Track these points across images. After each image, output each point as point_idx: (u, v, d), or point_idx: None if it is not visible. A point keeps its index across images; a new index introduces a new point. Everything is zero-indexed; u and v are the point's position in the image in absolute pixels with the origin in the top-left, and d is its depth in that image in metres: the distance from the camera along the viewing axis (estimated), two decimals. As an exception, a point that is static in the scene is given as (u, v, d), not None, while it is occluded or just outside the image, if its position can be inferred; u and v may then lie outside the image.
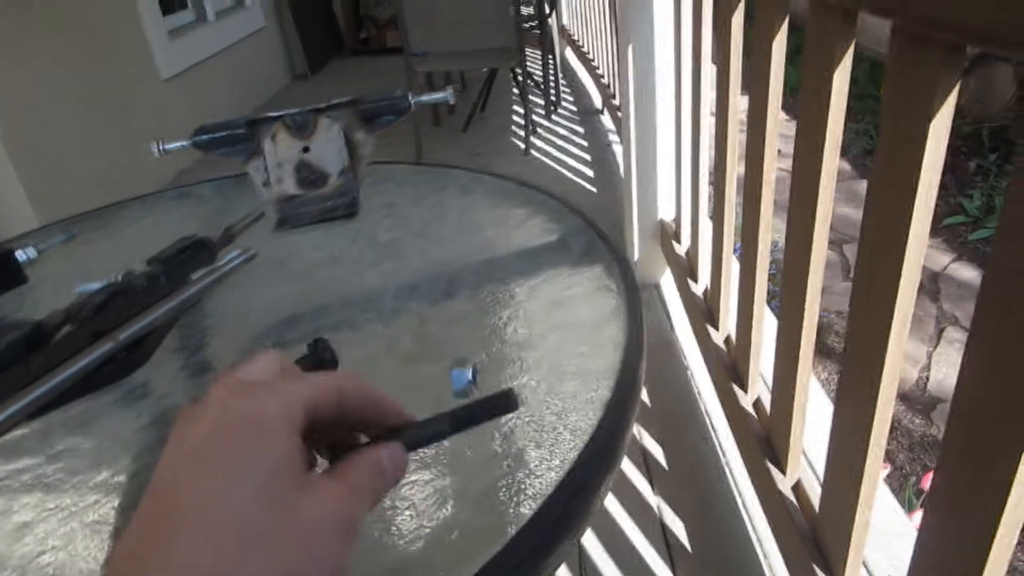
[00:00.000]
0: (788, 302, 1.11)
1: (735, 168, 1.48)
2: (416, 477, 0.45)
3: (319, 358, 0.52)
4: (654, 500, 1.49)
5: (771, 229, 1.28)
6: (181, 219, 0.89)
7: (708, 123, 1.66)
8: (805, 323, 1.08)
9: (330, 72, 5.71)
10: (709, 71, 1.61)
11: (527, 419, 0.47)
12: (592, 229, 0.70)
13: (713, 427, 1.66)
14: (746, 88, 1.27)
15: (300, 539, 0.27)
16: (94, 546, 0.44)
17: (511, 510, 0.41)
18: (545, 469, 0.44)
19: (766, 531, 1.33)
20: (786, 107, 1.20)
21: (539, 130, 3.64)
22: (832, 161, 0.96)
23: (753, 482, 1.33)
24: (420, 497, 0.43)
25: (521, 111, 3.58)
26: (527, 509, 0.41)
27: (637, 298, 0.57)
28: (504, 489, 0.43)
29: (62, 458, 0.51)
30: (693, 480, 1.55)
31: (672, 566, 1.35)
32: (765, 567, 1.33)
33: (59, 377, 0.54)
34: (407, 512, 0.42)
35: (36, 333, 0.61)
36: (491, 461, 0.45)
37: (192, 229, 0.75)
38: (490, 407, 0.39)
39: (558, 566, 0.41)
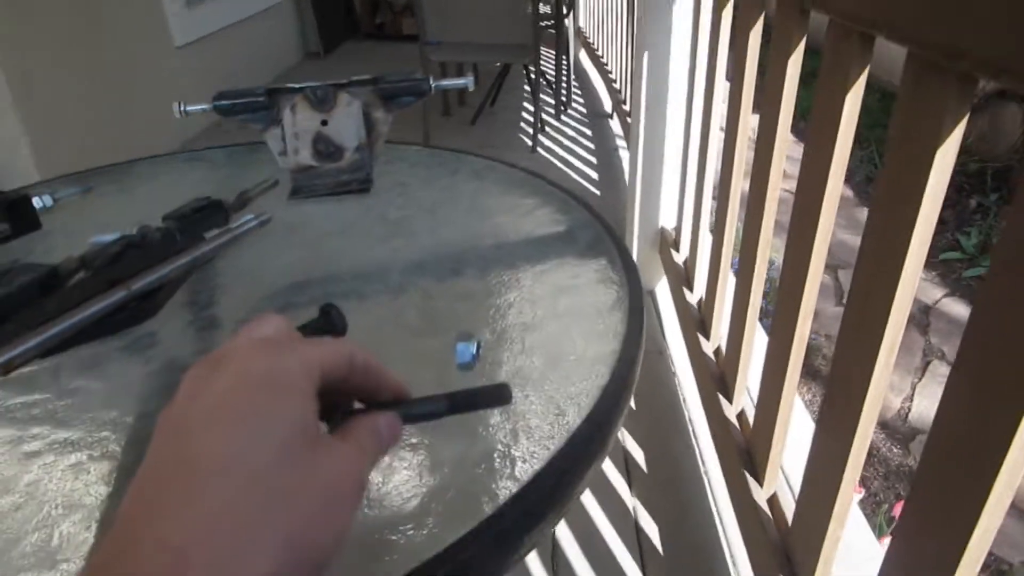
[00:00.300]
0: (780, 319, 1.14)
1: (740, 183, 1.50)
2: (416, 440, 0.46)
3: (330, 322, 0.54)
4: (631, 502, 1.51)
5: (770, 247, 1.30)
6: (194, 181, 0.90)
7: (717, 137, 1.68)
8: (795, 341, 1.10)
9: (343, 53, 5.71)
10: (722, 86, 1.63)
11: (526, 395, 0.49)
12: (599, 222, 0.72)
13: (695, 435, 1.69)
14: (757, 107, 1.30)
15: (319, 496, 0.28)
16: (100, 477, 0.45)
17: (504, 480, 0.43)
18: (538, 446, 0.45)
19: (738, 541, 1.35)
20: (795, 130, 1.22)
21: (547, 129, 3.66)
22: (837, 180, 0.98)
23: (730, 491, 1.35)
24: (418, 459, 0.45)
25: (530, 108, 3.60)
26: (518, 481, 0.43)
27: (639, 292, 0.59)
28: (499, 460, 0.45)
29: (72, 395, 0.53)
30: (671, 485, 1.57)
31: (643, 567, 1.37)
32: (733, 575, 1.35)
33: (74, 319, 0.55)
34: (404, 471, 0.44)
35: (51, 277, 0.62)
36: (489, 433, 0.47)
37: (204, 192, 0.76)
38: (486, 397, 0.41)
39: (543, 536, 0.43)
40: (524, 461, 0.44)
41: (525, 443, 0.46)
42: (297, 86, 0.83)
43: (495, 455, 0.45)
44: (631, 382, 0.51)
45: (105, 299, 0.58)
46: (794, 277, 1.07)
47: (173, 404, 0.30)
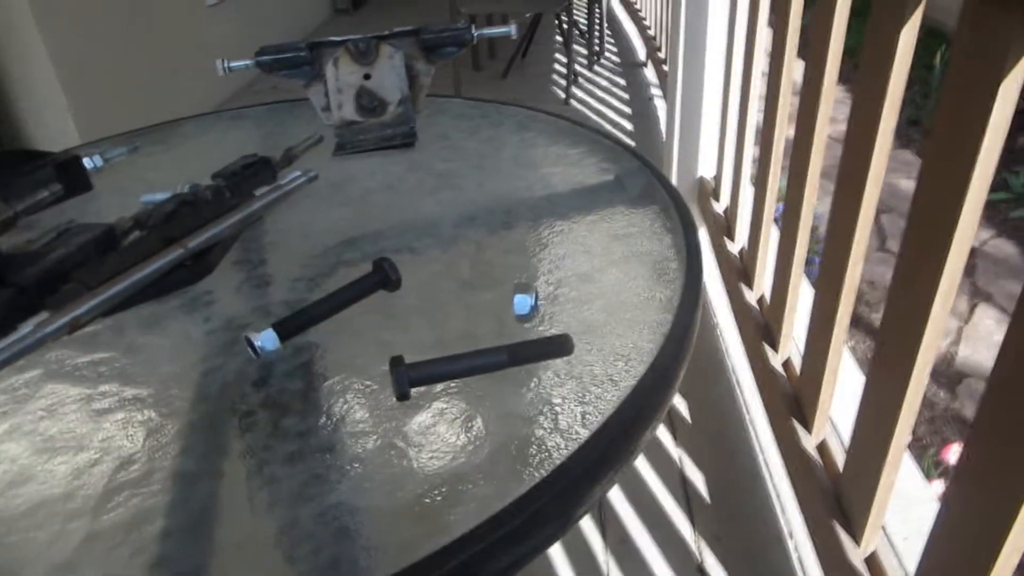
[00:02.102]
0: (829, 267, 1.11)
1: (784, 129, 1.46)
2: (480, 392, 0.46)
3: (384, 276, 0.54)
4: (676, 452, 1.52)
5: (817, 190, 1.27)
6: (238, 139, 0.90)
7: (759, 83, 1.63)
8: (845, 288, 1.07)
9: (372, 9, 5.65)
10: (765, 31, 1.58)
11: (589, 346, 0.49)
12: (649, 170, 0.70)
13: (739, 384, 1.68)
14: (801, 52, 1.25)
15: None
16: (173, 433, 0.46)
17: (571, 429, 0.43)
18: (604, 395, 0.45)
19: (785, 488, 1.35)
20: (839, 74, 1.18)
21: (580, 80, 3.60)
22: (890, 119, 0.94)
23: (777, 439, 1.35)
24: (482, 410, 0.45)
25: (562, 60, 3.53)
26: (586, 429, 0.42)
27: (695, 237, 0.58)
28: (565, 410, 0.44)
29: (137, 353, 0.54)
30: (716, 434, 1.57)
31: (690, 516, 1.38)
32: (783, 522, 1.35)
33: (135, 276, 0.56)
34: (470, 422, 0.44)
35: (107, 236, 0.63)
36: (553, 383, 0.46)
37: (249, 149, 0.76)
38: (548, 348, 0.41)
39: (612, 483, 0.43)
40: (591, 410, 0.44)
41: (591, 393, 0.45)
42: (339, 39, 0.82)
43: (560, 405, 0.45)
44: (693, 329, 0.50)
45: (164, 257, 0.58)
46: (844, 222, 1.04)
47: None
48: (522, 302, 0.50)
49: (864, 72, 0.96)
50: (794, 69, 1.39)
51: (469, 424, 0.44)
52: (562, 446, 0.42)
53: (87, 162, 0.78)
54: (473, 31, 0.82)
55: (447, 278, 0.58)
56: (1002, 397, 0.70)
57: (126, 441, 0.45)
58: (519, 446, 0.42)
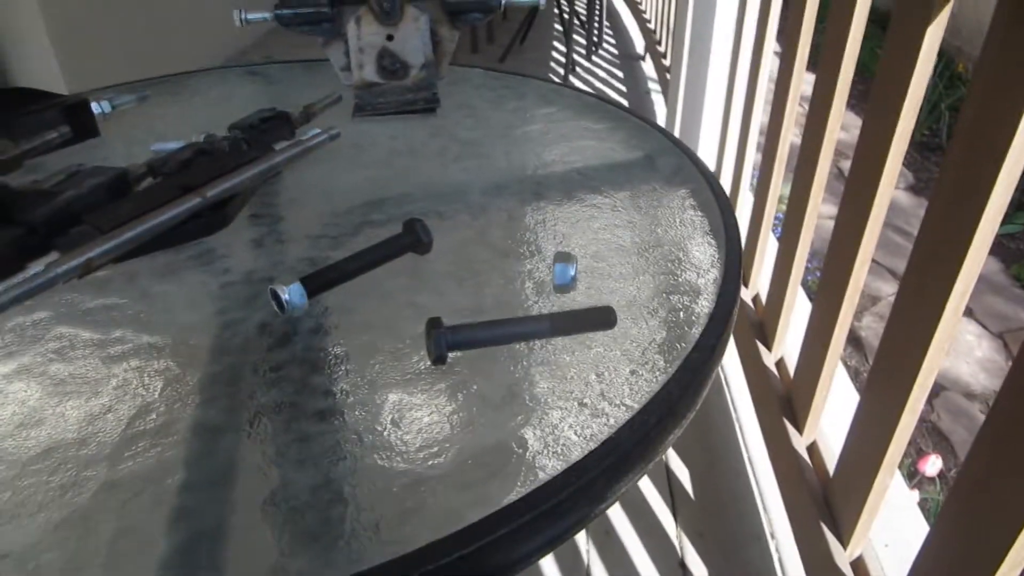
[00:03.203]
0: (832, 272, 1.11)
1: (789, 134, 1.45)
2: (525, 362, 0.44)
3: (416, 237, 0.52)
4: (662, 445, 1.51)
5: (822, 196, 1.26)
6: (250, 95, 0.87)
7: (765, 88, 1.63)
8: (847, 294, 1.07)
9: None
10: (773, 35, 1.57)
11: (630, 321, 0.47)
12: (680, 149, 0.69)
13: (727, 381, 1.67)
14: (812, 65, 1.24)
15: None
16: (192, 383, 0.43)
17: (613, 406, 0.41)
18: (649, 372, 0.43)
19: (770, 487, 1.35)
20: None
21: (578, 69, 3.58)
22: (908, 123, 0.94)
23: (766, 438, 1.35)
24: (527, 384, 0.43)
25: (560, 48, 3.51)
26: (635, 403, 0.41)
27: (733, 217, 0.56)
28: (608, 388, 0.43)
29: (152, 301, 0.51)
30: (702, 431, 1.56)
31: (673, 511, 1.37)
32: (764, 522, 1.35)
33: (151, 222, 0.53)
34: (520, 390, 0.42)
35: (120, 180, 0.60)
36: (594, 357, 0.45)
37: (262, 105, 0.74)
38: (590, 319, 0.40)
39: (653, 461, 0.41)
40: (635, 387, 0.42)
41: (634, 369, 0.44)
42: (363, -3, 0.79)
43: (603, 381, 0.43)
44: (734, 311, 0.48)
45: (181, 205, 0.55)
46: (850, 230, 1.04)
47: None
48: (563, 271, 0.48)
49: (883, 74, 0.95)
50: (803, 78, 1.38)
51: (510, 395, 0.42)
52: (607, 421, 0.40)
53: (95, 107, 0.75)
54: (502, -2, 0.80)
55: (480, 245, 0.56)
56: (1009, 412, 0.69)
57: (143, 389, 0.43)
58: (560, 418, 0.40)
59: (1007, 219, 3.04)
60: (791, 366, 1.33)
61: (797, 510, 1.19)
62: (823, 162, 1.21)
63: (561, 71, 3.39)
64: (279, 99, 0.85)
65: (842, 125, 1.00)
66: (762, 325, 1.49)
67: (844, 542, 1.05)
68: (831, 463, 1.14)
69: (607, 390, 0.42)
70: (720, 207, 0.58)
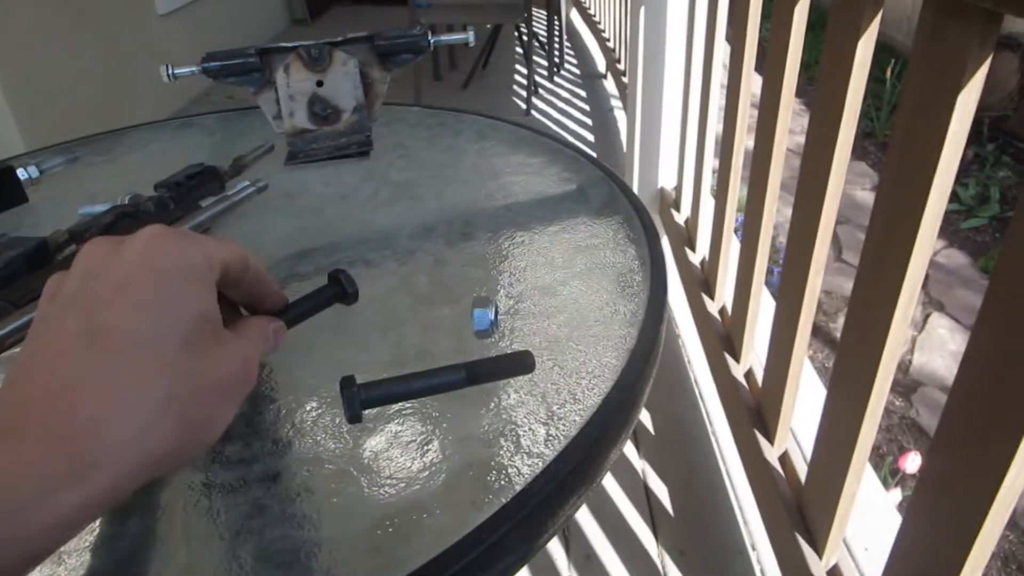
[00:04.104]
0: (790, 277, 1.11)
1: (743, 140, 1.46)
2: (437, 413, 0.44)
3: (341, 289, 0.51)
4: (639, 464, 1.51)
5: (777, 201, 1.27)
6: (186, 148, 0.87)
7: (718, 95, 1.64)
8: (806, 299, 1.08)
9: (330, 19, 5.60)
10: (723, 43, 1.59)
11: (551, 363, 0.47)
12: (611, 180, 0.69)
13: (701, 396, 1.67)
14: (759, 66, 1.26)
15: (218, 384, 0.30)
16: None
17: (533, 451, 0.41)
18: (567, 414, 0.43)
19: (748, 500, 1.34)
20: (797, 89, 1.18)
21: (541, 91, 3.60)
22: (849, 131, 0.95)
23: (740, 451, 1.34)
24: (440, 432, 0.43)
25: (523, 71, 3.53)
26: (550, 451, 0.40)
27: (659, 248, 0.56)
28: (526, 431, 0.42)
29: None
30: (679, 446, 1.56)
31: (654, 530, 1.36)
32: (745, 535, 1.34)
33: (66, 294, 0.52)
34: (427, 446, 0.42)
35: (39, 250, 0.59)
36: (514, 403, 0.44)
37: (197, 158, 0.73)
38: (507, 365, 0.39)
39: (576, 508, 0.41)
40: (554, 431, 0.42)
41: (554, 412, 0.43)
42: (290, 45, 0.79)
43: (522, 427, 0.42)
44: (659, 344, 0.48)
45: (99, 273, 0.55)
46: (803, 233, 1.04)
47: (70, 277, 0.30)
48: (481, 317, 0.48)
49: (822, 84, 0.96)
50: (752, 82, 1.40)
51: (425, 448, 0.42)
52: (524, 470, 0.39)
53: (22, 173, 0.74)
54: (429, 37, 0.80)
55: (404, 292, 0.55)
56: (963, 408, 0.69)
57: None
58: (478, 471, 0.40)
59: (972, 213, 3.08)
60: (759, 376, 1.33)
61: (773, 521, 1.19)
62: (775, 169, 1.22)
63: (524, 94, 3.41)
64: (218, 150, 0.85)
65: (802, 128, 1.01)
66: (729, 337, 1.50)
67: (819, 551, 1.05)
68: (803, 472, 1.13)
69: (524, 437, 0.42)
70: (648, 239, 0.58)
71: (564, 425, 0.42)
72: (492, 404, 0.44)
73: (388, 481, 0.40)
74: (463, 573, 0.35)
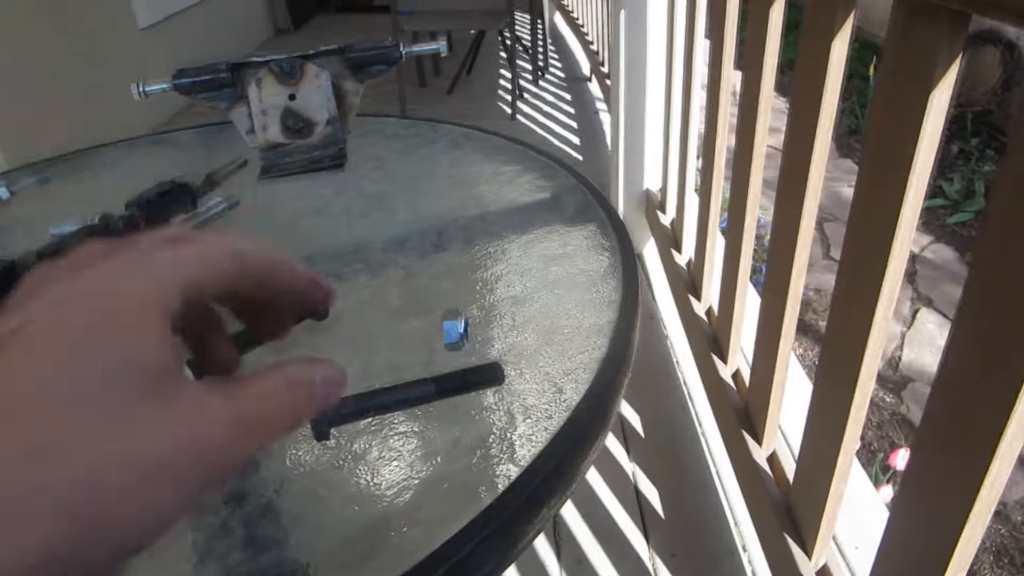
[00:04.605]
0: (773, 276, 1.11)
1: (725, 140, 1.47)
2: (406, 428, 0.44)
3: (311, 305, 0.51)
4: (629, 467, 1.50)
5: (759, 204, 1.27)
6: (160, 165, 0.86)
7: (699, 95, 1.65)
8: (789, 298, 1.08)
9: (314, 28, 5.60)
10: (703, 43, 1.60)
11: (520, 373, 0.46)
12: (585, 188, 0.69)
13: (691, 397, 1.67)
14: (739, 63, 1.26)
15: (131, 465, 0.21)
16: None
17: (501, 465, 0.40)
18: (537, 427, 0.43)
19: (739, 501, 1.34)
20: (777, 86, 1.19)
21: (526, 95, 3.60)
22: (826, 131, 0.95)
23: (728, 452, 1.34)
24: (409, 448, 0.42)
25: (508, 75, 3.53)
26: (518, 465, 0.40)
27: (632, 256, 0.56)
28: (495, 444, 0.42)
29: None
30: (669, 448, 1.56)
31: (645, 532, 1.36)
32: (736, 536, 1.34)
33: (32, 317, 0.52)
34: (395, 463, 0.41)
35: (7, 273, 0.58)
36: (483, 416, 0.44)
37: (171, 175, 0.72)
38: (477, 378, 0.38)
39: (547, 522, 0.41)
40: (523, 444, 0.41)
41: (523, 425, 0.43)
42: (261, 59, 0.79)
43: (491, 440, 0.42)
44: (630, 353, 0.48)
45: (67, 295, 0.54)
46: (785, 232, 1.05)
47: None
48: (451, 329, 0.47)
49: (799, 83, 0.96)
50: (732, 80, 1.40)
51: (394, 464, 0.41)
52: (494, 483, 0.39)
53: (-9, 193, 0.74)
54: (402, 48, 0.80)
55: (375, 306, 0.55)
56: (944, 404, 0.69)
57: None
58: (448, 486, 0.40)
59: (957, 208, 3.10)
60: (747, 377, 1.33)
61: (762, 522, 1.19)
62: (756, 169, 1.22)
63: (510, 98, 3.41)
64: (192, 166, 0.84)
65: (784, 126, 1.01)
66: (716, 338, 1.50)
67: (808, 551, 1.05)
68: (791, 472, 1.13)
69: (493, 452, 0.41)
70: (621, 246, 0.58)
71: (535, 437, 0.42)
72: (462, 418, 0.44)
73: (355, 500, 0.39)
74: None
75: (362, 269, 0.60)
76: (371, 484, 0.40)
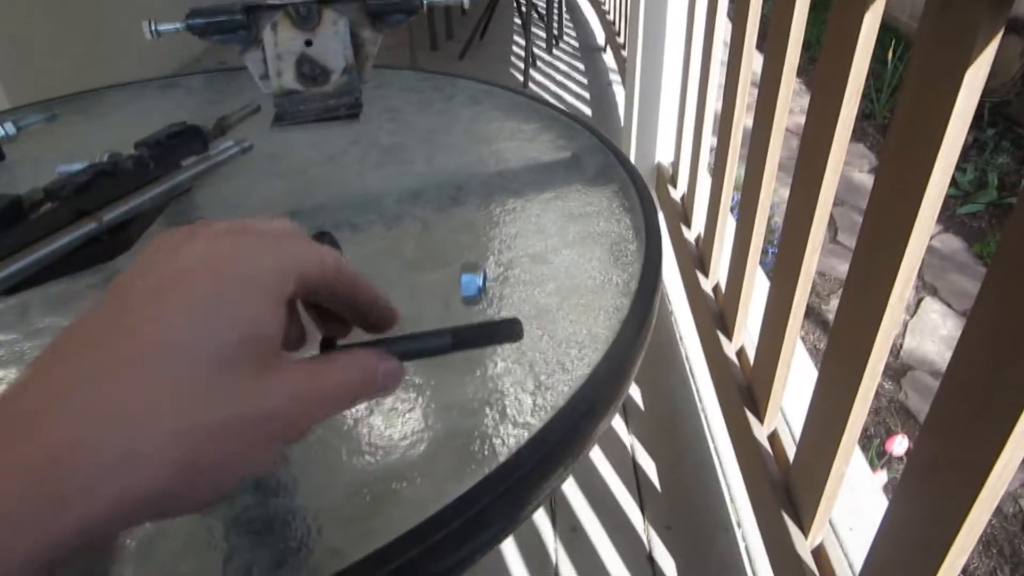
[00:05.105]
0: (785, 256, 1.10)
1: (742, 118, 1.44)
2: (421, 380, 0.42)
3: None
4: (628, 439, 1.50)
5: (775, 180, 1.25)
6: (169, 109, 0.84)
7: (718, 72, 1.62)
8: (801, 277, 1.06)
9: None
10: (724, 21, 1.56)
11: (540, 332, 0.45)
12: (607, 148, 0.67)
13: (692, 372, 1.67)
14: (760, 45, 1.24)
15: (247, 422, 0.24)
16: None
17: (517, 423, 0.39)
18: (554, 386, 0.41)
19: (735, 478, 1.34)
20: (797, 69, 1.16)
21: (539, 63, 3.55)
22: (851, 108, 0.93)
23: (729, 428, 1.34)
24: (425, 401, 0.41)
25: (521, 42, 3.48)
26: (537, 420, 0.39)
27: (655, 218, 0.55)
28: (512, 401, 0.41)
29: (42, 335, 0.48)
30: (668, 423, 1.55)
31: (641, 505, 1.36)
32: (732, 512, 1.34)
33: (39, 252, 0.50)
34: (409, 414, 0.40)
35: (13, 208, 0.57)
36: (500, 372, 0.43)
37: (181, 119, 0.71)
38: (494, 332, 0.36)
39: (561, 482, 0.40)
40: (540, 403, 0.40)
41: (540, 383, 0.42)
42: (278, 2, 0.77)
43: (508, 396, 0.41)
44: (652, 315, 0.47)
45: (74, 231, 0.53)
46: (801, 210, 1.03)
47: (128, 273, 0.26)
48: (469, 282, 0.46)
49: (825, 58, 0.94)
50: (753, 60, 1.37)
51: (407, 416, 0.40)
52: (508, 441, 0.38)
53: (-2, 129, 0.72)
54: (423, -3, 0.77)
55: (391, 256, 0.54)
56: (958, 390, 0.68)
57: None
58: (461, 440, 0.39)
59: (968, 199, 3.07)
60: (751, 355, 1.32)
61: (760, 500, 1.18)
62: (774, 146, 1.20)
63: (522, 65, 3.37)
64: (203, 111, 0.82)
65: (801, 108, 0.99)
66: (722, 315, 1.49)
67: (805, 530, 1.05)
68: (791, 452, 1.13)
69: (511, 407, 0.40)
70: (643, 209, 0.57)
71: (552, 395, 0.41)
72: (478, 372, 0.43)
73: (367, 449, 0.38)
74: (443, 544, 0.34)
75: (377, 220, 0.58)
76: (383, 435, 0.39)
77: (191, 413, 0.23)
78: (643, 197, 0.58)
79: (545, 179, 0.63)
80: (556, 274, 0.50)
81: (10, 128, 0.73)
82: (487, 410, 0.40)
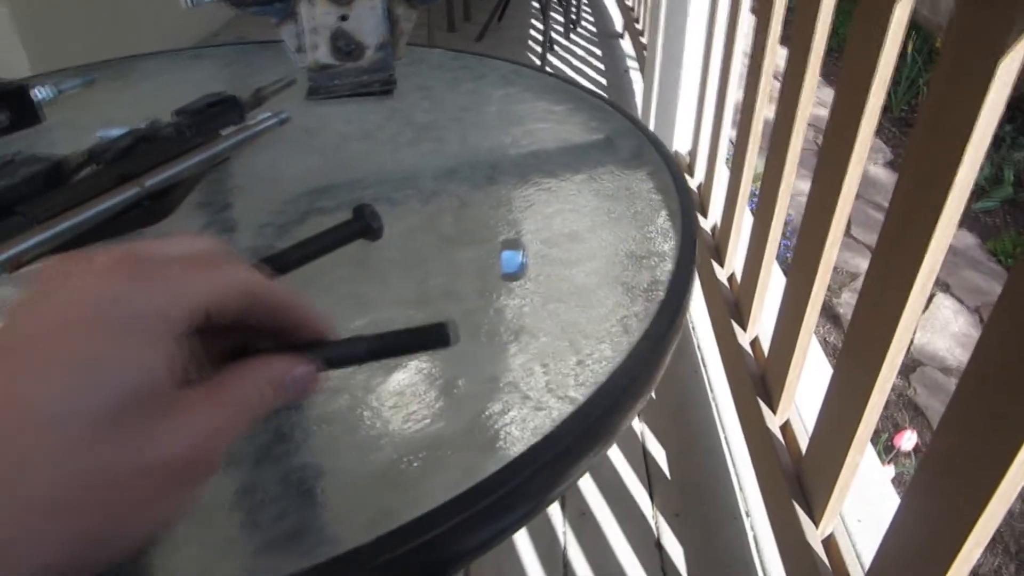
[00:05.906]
0: (804, 248, 1.10)
1: (763, 110, 1.44)
2: (467, 352, 0.43)
3: (366, 224, 0.50)
4: (638, 426, 1.51)
5: (796, 172, 1.25)
6: (202, 79, 0.85)
7: (739, 62, 1.61)
8: (820, 270, 1.06)
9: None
10: (747, 13, 1.56)
11: (578, 310, 0.46)
12: (640, 131, 0.67)
13: (704, 361, 1.67)
14: (783, 39, 1.23)
15: (145, 480, 0.22)
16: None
17: (558, 396, 0.40)
18: (598, 359, 0.42)
19: (745, 467, 1.35)
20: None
21: (556, 48, 3.54)
22: (878, 100, 0.93)
23: (741, 418, 1.35)
24: (468, 375, 0.42)
25: (538, 26, 3.47)
26: (579, 395, 0.40)
27: (690, 201, 0.55)
28: (552, 378, 0.41)
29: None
30: (679, 411, 1.56)
31: (650, 491, 1.37)
32: (740, 501, 1.35)
33: (85, 214, 0.51)
34: (459, 383, 0.41)
35: (57, 169, 0.58)
36: (542, 347, 0.43)
37: (214, 89, 0.71)
38: (420, 339, 0.33)
39: (598, 459, 0.40)
40: (582, 379, 0.41)
41: (583, 359, 0.42)
42: (315, -25, 0.77)
43: (549, 371, 0.42)
44: (688, 296, 0.47)
45: (118, 195, 0.53)
46: (822, 203, 1.03)
47: (17, 298, 0.24)
48: (510, 259, 0.47)
49: (852, 48, 0.94)
50: (776, 53, 1.37)
51: (451, 387, 0.41)
52: (550, 414, 0.39)
53: (37, 93, 0.72)
54: (460, -24, 0.77)
55: (428, 232, 0.54)
56: (978, 386, 0.69)
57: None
58: (502, 412, 0.39)
59: (984, 194, 3.05)
60: (765, 345, 1.33)
61: (770, 489, 1.19)
62: (796, 139, 1.20)
63: (539, 50, 3.35)
64: (234, 82, 0.83)
65: (820, 101, 0.99)
66: (737, 304, 1.49)
67: (816, 520, 1.06)
68: (804, 442, 1.14)
69: (552, 381, 0.41)
70: (678, 191, 0.57)
71: (593, 371, 0.41)
72: (519, 347, 0.43)
73: (410, 417, 0.39)
74: (483, 513, 0.35)
75: (413, 195, 0.59)
76: (426, 404, 0.40)
77: (74, 487, 0.21)
78: (677, 179, 0.59)
79: (579, 160, 0.63)
80: (593, 253, 0.51)
81: (51, 92, 0.74)
82: (529, 384, 0.41)
